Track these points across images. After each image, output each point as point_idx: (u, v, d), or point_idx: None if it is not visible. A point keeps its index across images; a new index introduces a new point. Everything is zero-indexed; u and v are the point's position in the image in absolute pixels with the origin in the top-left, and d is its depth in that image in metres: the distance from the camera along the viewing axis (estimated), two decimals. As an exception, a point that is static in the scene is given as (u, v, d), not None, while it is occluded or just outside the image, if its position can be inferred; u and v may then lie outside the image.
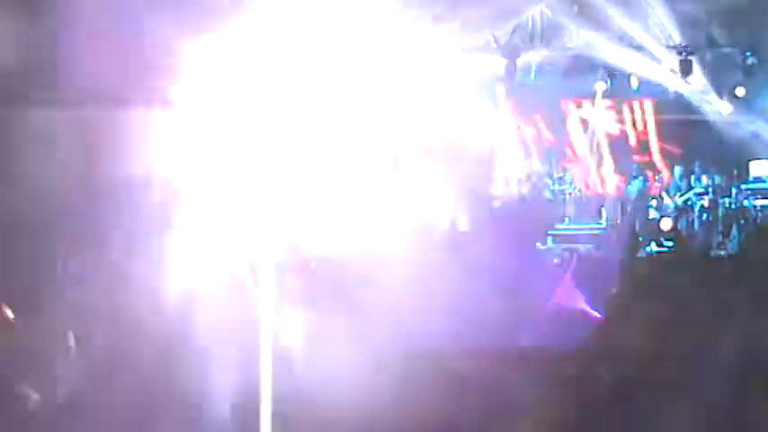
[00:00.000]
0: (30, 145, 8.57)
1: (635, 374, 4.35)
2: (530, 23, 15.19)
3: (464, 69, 15.84)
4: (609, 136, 17.75)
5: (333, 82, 8.03)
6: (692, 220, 15.91)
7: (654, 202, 16.14)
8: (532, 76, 16.35)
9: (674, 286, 5.23)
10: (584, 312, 10.48)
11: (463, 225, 13.85)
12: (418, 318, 7.45)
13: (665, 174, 16.53)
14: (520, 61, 15.25)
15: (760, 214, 15.35)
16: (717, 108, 16.98)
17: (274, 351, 5.31)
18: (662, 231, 14.79)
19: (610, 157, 17.80)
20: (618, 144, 17.93)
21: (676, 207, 15.88)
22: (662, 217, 15.44)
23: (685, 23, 15.26)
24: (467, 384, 5.42)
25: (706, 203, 15.84)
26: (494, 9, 14.32)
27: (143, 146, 8.40)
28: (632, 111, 17.75)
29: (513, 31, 15.11)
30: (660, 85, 16.61)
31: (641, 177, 16.57)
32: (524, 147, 17.35)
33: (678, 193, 15.97)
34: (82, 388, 5.64)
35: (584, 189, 16.86)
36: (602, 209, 17.03)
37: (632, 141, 17.87)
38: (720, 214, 15.74)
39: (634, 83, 16.12)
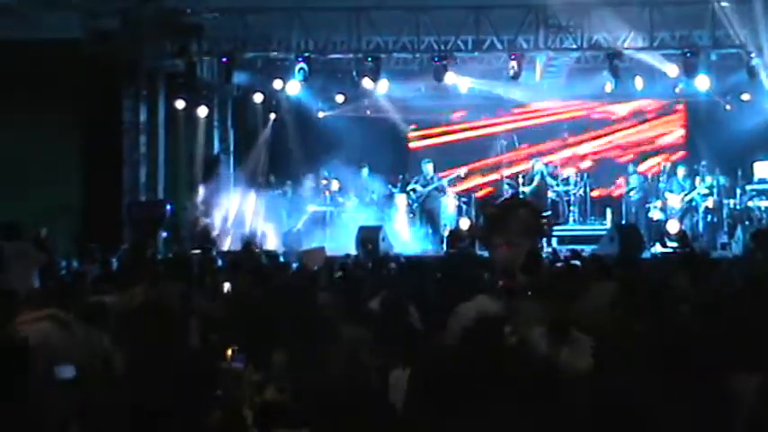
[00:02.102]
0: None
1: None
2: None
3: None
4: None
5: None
6: (697, 221, 15.84)
7: (659, 203, 16.04)
8: (538, 77, 16.22)
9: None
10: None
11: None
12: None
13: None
14: (525, 62, 15.01)
15: (765, 215, 15.28)
16: (721, 108, 16.97)
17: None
18: (668, 233, 14.67)
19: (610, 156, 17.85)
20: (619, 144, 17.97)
21: (681, 208, 15.80)
22: (667, 219, 15.35)
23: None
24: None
25: (710, 204, 15.76)
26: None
27: None
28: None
29: (519, 32, 14.93)
30: (665, 85, 16.55)
31: (642, 178, 16.53)
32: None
33: (683, 194, 15.89)
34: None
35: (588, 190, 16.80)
36: (607, 209, 16.98)
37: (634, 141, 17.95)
38: (725, 215, 15.69)
39: (639, 83, 16.02)
